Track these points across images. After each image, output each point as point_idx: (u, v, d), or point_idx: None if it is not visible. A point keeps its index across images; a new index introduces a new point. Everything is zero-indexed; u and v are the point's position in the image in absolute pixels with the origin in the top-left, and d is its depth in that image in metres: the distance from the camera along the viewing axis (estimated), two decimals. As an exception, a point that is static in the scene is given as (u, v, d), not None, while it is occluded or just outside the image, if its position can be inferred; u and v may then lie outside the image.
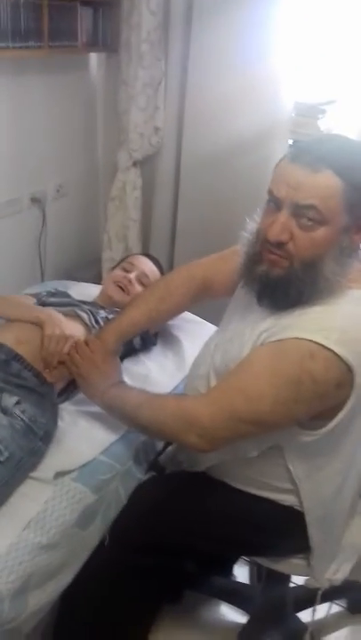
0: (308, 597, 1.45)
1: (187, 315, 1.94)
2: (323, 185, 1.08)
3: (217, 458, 1.34)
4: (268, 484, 1.31)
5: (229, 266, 1.38)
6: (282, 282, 1.16)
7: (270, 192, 1.15)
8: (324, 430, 1.18)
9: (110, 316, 1.77)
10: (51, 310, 1.67)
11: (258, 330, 1.20)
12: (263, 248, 1.17)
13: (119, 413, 1.41)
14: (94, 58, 2.61)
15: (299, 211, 1.10)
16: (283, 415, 1.15)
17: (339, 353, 1.08)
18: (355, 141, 1.17)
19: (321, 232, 1.11)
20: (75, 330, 1.61)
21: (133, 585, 1.40)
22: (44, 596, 1.27)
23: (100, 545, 1.39)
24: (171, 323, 1.93)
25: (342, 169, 1.07)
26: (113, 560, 1.38)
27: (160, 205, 2.62)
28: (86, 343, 1.51)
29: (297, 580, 1.54)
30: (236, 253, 1.30)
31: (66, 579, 1.32)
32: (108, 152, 2.68)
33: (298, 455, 1.25)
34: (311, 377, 1.09)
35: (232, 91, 2.26)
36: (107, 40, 2.46)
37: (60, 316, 1.65)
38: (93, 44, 2.42)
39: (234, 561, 1.82)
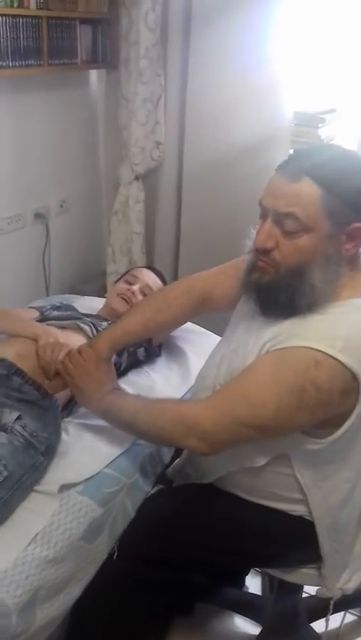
0: (322, 607, 1.43)
1: (191, 326, 1.94)
2: (301, 193, 1.10)
3: (225, 469, 1.34)
4: (276, 494, 1.30)
5: (230, 279, 1.40)
6: (270, 288, 1.19)
7: (259, 202, 1.18)
8: (331, 438, 1.18)
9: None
10: (48, 327, 1.68)
11: (262, 339, 1.21)
12: (256, 256, 1.21)
13: (117, 421, 1.40)
14: (94, 74, 2.64)
15: (280, 218, 1.13)
16: (285, 422, 1.15)
17: (343, 361, 1.08)
18: (340, 151, 1.19)
19: (304, 240, 1.13)
20: (77, 342, 1.61)
21: (143, 598, 1.39)
22: (52, 610, 1.26)
23: (109, 558, 1.39)
24: (175, 334, 1.93)
25: (321, 177, 1.10)
26: (122, 573, 1.37)
27: (163, 218, 2.64)
28: (79, 352, 1.50)
29: (310, 590, 1.52)
30: (238, 266, 1.31)
31: (74, 592, 1.32)
32: (110, 167, 2.71)
33: (305, 464, 1.25)
34: (315, 385, 1.10)
35: (232, 101, 2.28)
36: (106, 57, 2.49)
37: (57, 330, 1.66)
38: (93, 61, 2.45)
39: (245, 572, 1.80)
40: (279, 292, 1.17)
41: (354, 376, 1.09)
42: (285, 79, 2.22)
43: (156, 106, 2.46)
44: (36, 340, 1.60)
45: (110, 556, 1.39)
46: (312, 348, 1.10)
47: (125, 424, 1.38)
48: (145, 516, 1.43)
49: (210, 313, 1.60)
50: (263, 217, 1.17)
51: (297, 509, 1.30)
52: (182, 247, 2.61)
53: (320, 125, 2.19)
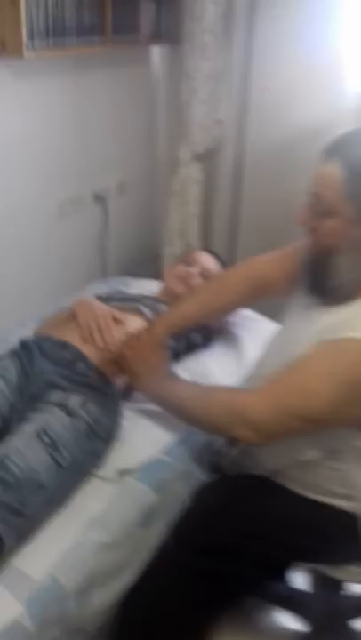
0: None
1: (247, 312, 1.92)
2: (326, 175, 1.12)
3: (280, 462, 1.33)
4: (327, 489, 1.29)
5: (290, 264, 1.38)
6: (311, 267, 1.22)
7: None
8: None
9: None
10: (84, 299, 1.72)
11: (315, 329, 1.19)
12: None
13: (171, 406, 1.40)
14: (156, 51, 2.59)
15: (312, 199, 1.16)
16: (338, 415, 1.13)
17: None
18: None
19: (331, 222, 1.14)
20: (136, 325, 1.62)
21: (193, 587, 1.38)
22: (108, 595, 1.27)
23: (161, 546, 1.39)
24: (231, 320, 1.91)
25: (350, 161, 1.10)
26: (173, 561, 1.38)
27: (222, 200, 2.61)
28: (137, 337, 1.49)
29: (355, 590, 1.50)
30: (298, 251, 1.30)
31: (128, 578, 1.33)
32: (170, 147, 2.67)
33: (359, 460, 1.23)
34: None
35: (296, 81, 2.22)
36: (169, 32, 2.44)
37: (91, 299, 1.70)
38: (156, 37, 2.40)
39: (292, 567, 1.78)
40: (315, 270, 1.20)
41: None
42: (351, 59, 2.14)
43: (218, 83, 2.40)
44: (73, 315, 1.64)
45: (162, 543, 1.39)
46: None
47: (179, 410, 1.38)
48: (199, 504, 1.42)
49: (269, 298, 1.57)
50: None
51: (348, 506, 1.28)
52: (240, 230, 2.57)
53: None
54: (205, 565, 1.36)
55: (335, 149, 1.12)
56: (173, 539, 1.39)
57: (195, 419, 1.35)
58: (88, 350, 1.55)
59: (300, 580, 1.73)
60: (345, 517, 1.29)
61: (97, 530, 1.27)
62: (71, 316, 1.67)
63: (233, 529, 1.35)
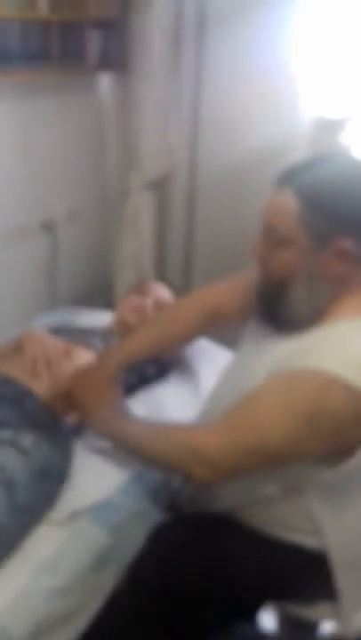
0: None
1: (201, 342, 1.89)
2: (280, 205, 1.11)
3: (236, 499, 1.29)
4: (289, 525, 1.25)
5: (242, 292, 1.38)
6: (263, 296, 1.22)
7: None
8: (345, 468, 1.12)
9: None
10: (32, 331, 1.68)
11: (269, 359, 1.17)
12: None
13: (124, 445, 1.36)
14: (104, 79, 2.58)
15: (265, 229, 1.15)
16: (295, 449, 1.10)
17: (356, 383, 1.03)
18: (330, 165, 1.16)
19: (286, 252, 1.13)
20: (86, 359, 1.56)
21: (152, 632, 1.32)
22: (57, 644, 1.21)
23: (116, 589, 1.33)
24: (185, 352, 1.89)
25: (303, 191, 1.09)
26: (129, 605, 1.31)
27: (175, 228, 2.61)
28: (86, 371, 1.45)
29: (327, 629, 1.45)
30: (251, 278, 1.29)
31: (80, 624, 1.27)
32: (120, 175, 2.65)
33: (320, 494, 1.20)
34: (327, 411, 1.06)
35: (248, 106, 2.25)
36: (117, 60, 2.43)
37: (40, 331, 1.66)
38: (103, 65, 2.39)
39: (259, 607, 1.72)
40: (269, 301, 1.20)
41: None
42: (304, 84, 2.18)
43: (168, 110, 2.41)
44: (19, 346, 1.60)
45: (117, 587, 1.33)
46: (323, 372, 1.05)
47: (132, 449, 1.34)
48: (154, 545, 1.36)
49: (222, 327, 1.56)
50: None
51: (311, 542, 1.25)
52: (195, 257, 2.56)
53: (340, 132, 2.13)
54: (162, 609, 1.30)
55: (287, 179, 1.12)
56: (128, 582, 1.32)
57: (148, 457, 1.30)
58: (36, 385, 1.49)
59: (267, 620, 1.67)
60: (311, 555, 1.25)
61: (47, 575, 1.21)
62: (18, 349, 1.60)
63: (192, 570, 1.29)
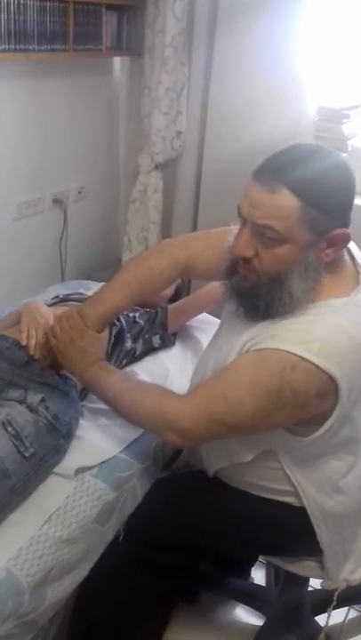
0: (326, 601, 1.43)
1: (207, 317, 1.95)
2: (279, 205, 1.08)
3: (216, 463, 1.36)
4: (267, 487, 1.32)
5: (215, 254, 1.36)
6: (250, 294, 1.19)
7: (238, 207, 1.16)
8: (313, 437, 1.19)
9: (130, 314, 1.79)
10: (31, 301, 1.70)
11: (243, 339, 1.21)
12: (235, 261, 1.21)
13: (100, 397, 1.40)
14: (118, 62, 2.64)
15: (258, 229, 1.12)
16: (262, 421, 1.16)
17: (319, 365, 1.08)
18: (318, 159, 1.12)
19: (283, 249, 1.12)
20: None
21: (147, 581, 1.40)
22: (61, 589, 1.28)
23: (114, 540, 1.40)
24: (190, 324, 1.95)
25: (300, 189, 1.07)
26: (127, 556, 1.39)
27: (180, 208, 2.64)
28: (65, 318, 1.46)
29: (315, 583, 1.53)
30: (224, 238, 1.28)
31: (83, 572, 1.34)
32: (130, 155, 2.71)
33: (293, 458, 1.26)
34: (291, 387, 1.10)
35: (255, 95, 2.27)
36: (131, 44, 2.49)
37: (39, 305, 1.68)
38: (117, 48, 2.45)
39: (251, 563, 1.81)
40: (259, 299, 1.17)
41: (331, 378, 1.09)
42: (309, 75, 2.21)
43: (178, 95, 2.46)
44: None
45: (116, 538, 1.40)
46: (289, 352, 1.10)
47: (107, 402, 1.38)
48: (152, 500, 1.45)
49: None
50: (243, 223, 1.16)
51: (294, 501, 1.31)
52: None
53: (344, 121, 2.18)
54: (159, 560, 1.38)
55: (280, 178, 1.08)
56: (127, 534, 1.41)
57: (123, 415, 1.36)
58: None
59: (258, 575, 1.77)
60: (292, 512, 1.31)
61: (54, 525, 1.27)
62: (19, 319, 1.67)
63: (184, 525, 1.37)
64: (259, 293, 1.17)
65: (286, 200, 1.07)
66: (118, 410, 1.36)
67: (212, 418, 1.18)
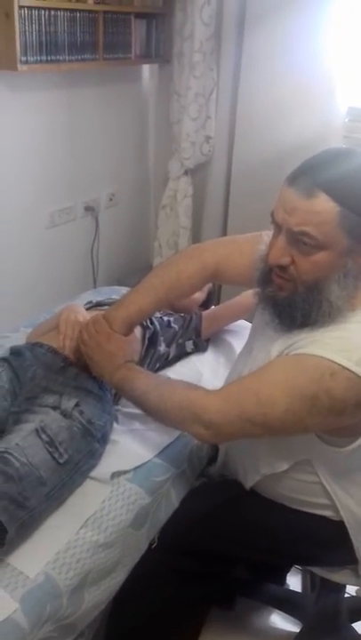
0: (364, 608, 1.42)
1: (241, 321, 1.94)
2: (316, 211, 1.05)
3: (248, 476, 1.35)
4: (305, 501, 1.30)
5: (245, 259, 1.35)
6: (287, 304, 1.16)
7: (272, 214, 1.13)
8: (350, 447, 1.17)
9: (165, 318, 1.80)
10: (71, 305, 1.73)
11: (280, 347, 1.20)
12: (270, 269, 1.18)
13: (129, 397, 1.40)
14: (147, 69, 2.66)
15: (294, 236, 1.09)
16: (292, 425, 1.13)
17: (360, 374, 1.07)
18: (354, 161, 1.09)
19: (321, 256, 1.09)
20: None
21: (182, 588, 1.40)
22: (99, 594, 1.28)
23: (149, 547, 1.40)
24: (224, 329, 1.95)
25: (338, 193, 1.04)
26: (162, 563, 1.39)
27: (210, 213, 2.65)
28: (93, 323, 1.46)
29: (351, 590, 1.52)
30: (255, 243, 1.27)
31: (119, 577, 1.34)
32: (160, 161, 2.73)
33: (331, 471, 1.24)
34: (329, 395, 1.08)
35: (284, 98, 2.28)
36: (159, 51, 2.51)
37: (78, 306, 1.70)
38: (146, 56, 2.47)
39: (287, 569, 1.80)
40: (295, 309, 1.15)
41: None
42: (338, 76, 2.20)
43: (207, 100, 2.47)
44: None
45: (150, 545, 1.40)
46: (329, 359, 1.08)
47: (136, 401, 1.37)
48: (188, 508, 1.44)
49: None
50: (277, 230, 1.13)
51: (330, 514, 1.29)
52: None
53: (375, 122, 2.16)
54: (193, 567, 1.39)
55: (316, 182, 1.05)
56: (162, 541, 1.41)
57: (151, 411, 1.34)
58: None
59: (294, 581, 1.75)
60: (330, 524, 1.30)
61: (91, 529, 1.28)
62: (57, 324, 1.68)
63: (219, 535, 1.37)
64: (296, 303, 1.14)
65: (324, 205, 1.04)
66: (146, 407, 1.34)
67: (241, 414, 1.16)
